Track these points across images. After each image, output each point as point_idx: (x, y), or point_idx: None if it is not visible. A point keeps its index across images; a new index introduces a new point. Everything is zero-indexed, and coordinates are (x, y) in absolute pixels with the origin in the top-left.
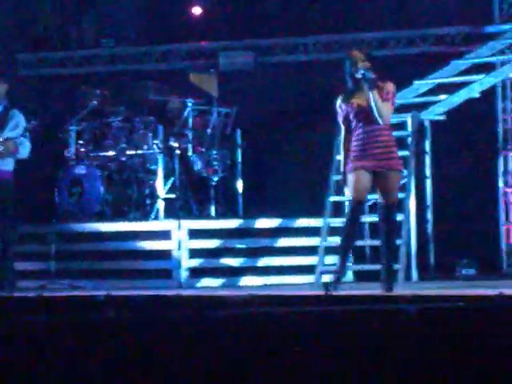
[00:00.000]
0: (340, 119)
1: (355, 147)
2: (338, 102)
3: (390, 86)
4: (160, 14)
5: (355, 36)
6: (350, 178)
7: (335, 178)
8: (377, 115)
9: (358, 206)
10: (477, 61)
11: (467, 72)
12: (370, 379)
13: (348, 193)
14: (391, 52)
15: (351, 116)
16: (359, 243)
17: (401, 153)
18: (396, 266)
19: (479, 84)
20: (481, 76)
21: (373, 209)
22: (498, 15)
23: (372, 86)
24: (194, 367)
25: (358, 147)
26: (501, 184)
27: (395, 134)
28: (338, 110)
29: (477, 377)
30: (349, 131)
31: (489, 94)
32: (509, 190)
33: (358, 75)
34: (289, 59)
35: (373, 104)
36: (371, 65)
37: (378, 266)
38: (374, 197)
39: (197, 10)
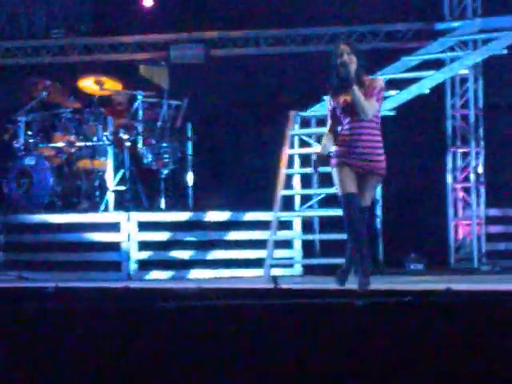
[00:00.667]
0: (328, 114)
1: (341, 144)
2: (328, 97)
3: (377, 82)
4: (111, 5)
5: (306, 30)
6: (335, 173)
7: (285, 171)
8: (359, 111)
9: (348, 199)
10: (427, 57)
11: (417, 68)
12: (318, 371)
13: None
14: None
15: (338, 112)
16: (308, 237)
17: None
18: (344, 261)
19: (429, 80)
20: (431, 72)
21: (323, 203)
22: (448, 12)
23: (352, 81)
24: (142, 358)
25: (343, 144)
26: (449, 180)
27: None
28: (327, 105)
29: (423, 370)
30: (333, 128)
31: (438, 91)
32: (457, 186)
33: (342, 64)
34: (240, 52)
35: (355, 99)
36: (358, 59)
37: (326, 260)
38: (328, 191)
39: (148, 2)
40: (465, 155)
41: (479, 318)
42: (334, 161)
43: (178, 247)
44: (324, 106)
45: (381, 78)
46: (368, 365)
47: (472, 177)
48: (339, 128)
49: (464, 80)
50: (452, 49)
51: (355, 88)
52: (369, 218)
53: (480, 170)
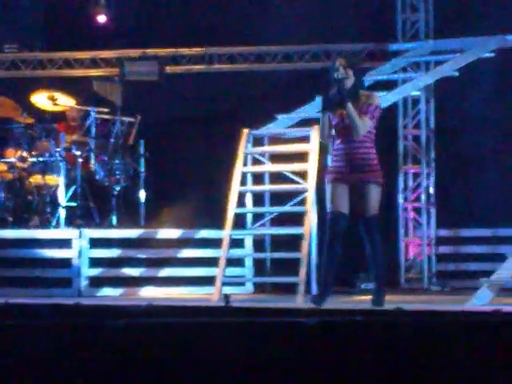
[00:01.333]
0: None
1: (335, 158)
2: (326, 115)
3: (373, 99)
4: (65, 20)
5: (260, 49)
6: (328, 189)
7: (238, 189)
8: (352, 128)
9: (335, 218)
10: (380, 78)
11: (370, 88)
12: None
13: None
14: (296, 66)
15: (338, 127)
16: (260, 255)
17: (303, 166)
18: (296, 280)
19: (381, 101)
20: (383, 93)
21: (275, 222)
22: (401, 33)
23: (344, 96)
24: (92, 374)
25: (337, 158)
26: (401, 200)
27: (299, 146)
28: (333, 120)
29: None
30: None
31: (390, 111)
32: (408, 205)
33: (337, 79)
34: (193, 69)
35: (349, 117)
36: (355, 74)
37: (278, 279)
38: (280, 210)
39: (102, 18)
40: (416, 175)
41: (428, 337)
42: (328, 176)
43: (130, 264)
44: (277, 125)
45: (376, 94)
46: (318, 383)
47: (423, 197)
48: (335, 143)
49: (416, 101)
50: (404, 70)
51: (350, 105)
52: (374, 227)
53: (431, 190)
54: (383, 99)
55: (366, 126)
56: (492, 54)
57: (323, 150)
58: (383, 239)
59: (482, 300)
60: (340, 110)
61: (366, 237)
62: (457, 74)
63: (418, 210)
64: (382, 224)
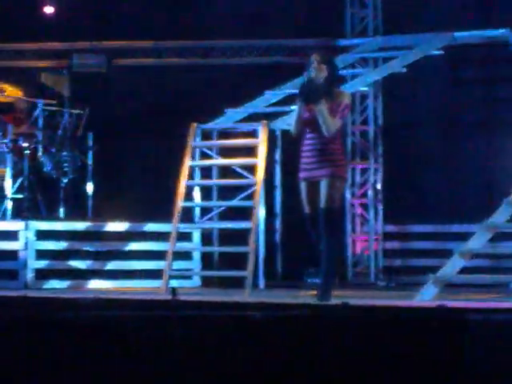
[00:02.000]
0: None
1: (303, 155)
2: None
3: (343, 98)
4: (13, 11)
5: (208, 43)
6: (300, 188)
7: (186, 183)
8: (322, 127)
9: (307, 216)
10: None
11: None
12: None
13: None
14: (245, 61)
15: (307, 122)
16: (207, 249)
17: (251, 161)
18: (243, 273)
19: None
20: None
21: (223, 216)
22: (350, 29)
23: (315, 95)
24: (38, 367)
25: (305, 155)
26: (348, 196)
27: (246, 141)
28: (305, 114)
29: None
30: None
31: None
32: (356, 201)
33: (306, 78)
34: (143, 62)
35: (320, 116)
36: (328, 70)
37: (225, 272)
38: (228, 204)
39: (49, 10)
40: (364, 171)
41: (375, 332)
42: (299, 175)
43: (77, 257)
44: (226, 119)
45: (348, 93)
46: (264, 376)
47: (370, 193)
48: (305, 136)
49: (364, 97)
50: (353, 66)
51: (322, 105)
52: (332, 219)
53: (378, 186)
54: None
55: (335, 126)
56: (440, 51)
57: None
58: (339, 235)
59: (427, 295)
60: (310, 106)
61: (324, 229)
62: (405, 70)
63: (365, 206)
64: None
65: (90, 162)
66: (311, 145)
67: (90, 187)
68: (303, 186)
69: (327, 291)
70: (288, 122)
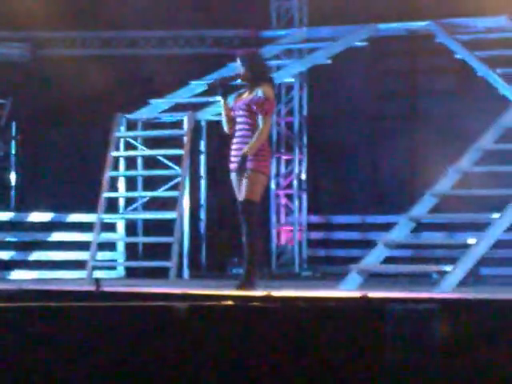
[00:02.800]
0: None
1: (232, 147)
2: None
3: (266, 94)
4: None
5: (134, 33)
6: (230, 177)
7: (110, 173)
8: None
9: (237, 205)
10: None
11: None
12: (138, 372)
13: None
14: (169, 51)
15: (235, 113)
16: (132, 240)
17: (176, 151)
18: (167, 264)
19: None
20: None
21: (148, 206)
22: (276, 21)
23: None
24: None
25: (232, 147)
26: (273, 186)
27: (171, 132)
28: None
29: (243, 372)
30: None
31: None
32: (281, 192)
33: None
34: (66, 52)
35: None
36: (251, 68)
37: (150, 263)
38: (152, 194)
39: None
40: (288, 162)
41: (299, 322)
42: (230, 167)
43: (0, 247)
44: (151, 109)
45: (270, 89)
46: (187, 366)
47: (295, 183)
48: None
49: (289, 88)
50: (278, 57)
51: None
52: (249, 212)
53: (303, 176)
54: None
55: (266, 126)
56: (364, 43)
57: None
58: (260, 226)
59: (350, 285)
60: (238, 99)
61: (243, 221)
62: (329, 61)
63: (289, 197)
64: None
65: (13, 151)
66: (235, 137)
67: (13, 177)
68: (233, 176)
69: (249, 281)
70: (211, 113)
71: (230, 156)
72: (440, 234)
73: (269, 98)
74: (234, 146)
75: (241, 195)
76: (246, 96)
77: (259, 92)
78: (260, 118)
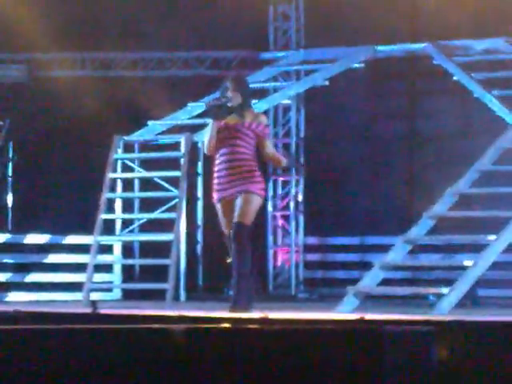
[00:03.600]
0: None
1: (217, 174)
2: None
3: (262, 119)
4: None
5: (132, 55)
6: (217, 209)
7: (107, 195)
8: (276, 163)
9: (227, 237)
10: (251, 86)
11: None
12: None
13: None
14: (167, 73)
15: (221, 136)
16: (128, 262)
17: (173, 173)
18: (164, 286)
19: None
20: (254, 101)
21: (144, 228)
22: (274, 42)
23: (222, 115)
24: None
25: (219, 174)
26: (270, 208)
27: (169, 154)
28: (220, 127)
29: None
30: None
31: None
32: (277, 213)
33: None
34: (65, 74)
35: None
36: (242, 96)
37: (147, 285)
38: (149, 216)
39: None
40: (285, 183)
41: (296, 344)
42: (214, 195)
43: None
44: (148, 131)
45: (263, 115)
46: None
47: (292, 205)
48: (217, 155)
49: (286, 109)
50: (275, 79)
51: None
52: (242, 235)
53: (300, 197)
54: (254, 107)
55: (274, 150)
56: (361, 65)
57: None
58: (251, 248)
59: (347, 307)
60: (228, 121)
61: (235, 243)
62: (327, 83)
63: (286, 218)
64: (251, 231)
65: (9, 173)
66: (225, 162)
67: (9, 199)
68: (219, 206)
69: (242, 302)
70: (202, 141)
71: (216, 184)
72: (437, 255)
73: (267, 124)
74: (220, 174)
75: (234, 216)
76: (239, 120)
77: (264, 121)
78: (266, 144)
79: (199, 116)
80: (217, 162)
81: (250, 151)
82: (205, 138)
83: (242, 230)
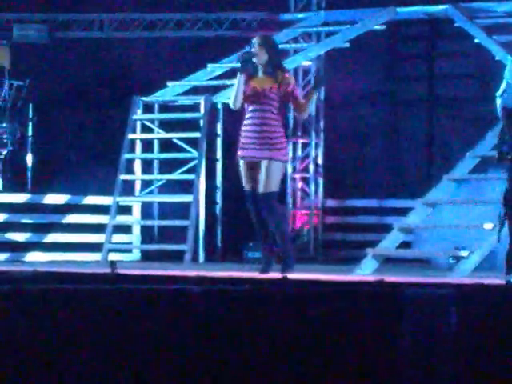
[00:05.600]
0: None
1: (244, 133)
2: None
3: (291, 81)
4: None
5: (151, 16)
6: (240, 166)
7: (126, 156)
8: (304, 110)
9: (246, 195)
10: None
11: None
12: (153, 358)
13: None
14: (187, 34)
15: (250, 99)
16: (147, 223)
17: (192, 134)
18: (183, 247)
19: None
20: None
21: (164, 189)
22: (294, 4)
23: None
24: None
25: (245, 134)
26: (289, 170)
27: (188, 115)
28: (246, 89)
29: (259, 360)
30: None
31: None
32: (297, 175)
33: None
34: (84, 35)
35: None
36: (269, 54)
37: (165, 246)
38: (168, 177)
39: None
40: (305, 146)
41: (314, 306)
42: (238, 152)
43: (15, 229)
44: (167, 92)
45: (292, 76)
46: (203, 351)
47: (311, 167)
48: (246, 113)
49: (307, 71)
50: (296, 40)
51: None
52: (270, 206)
53: (319, 160)
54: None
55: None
56: (383, 27)
57: None
58: (283, 211)
59: (366, 269)
60: (254, 83)
61: (267, 212)
62: (347, 45)
63: (306, 180)
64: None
65: (29, 133)
66: (251, 125)
67: (29, 159)
68: (242, 163)
69: (291, 264)
70: (228, 96)
71: (241, 142)
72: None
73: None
74: (246, 133)
75: (260, 186)
76: (266, 85)
77: (292, 82)
78: (298, 102)
79: (218, 77)
80: (245, 122)
81: (277, 116)
82: (232, 91)
83: (269, 200)
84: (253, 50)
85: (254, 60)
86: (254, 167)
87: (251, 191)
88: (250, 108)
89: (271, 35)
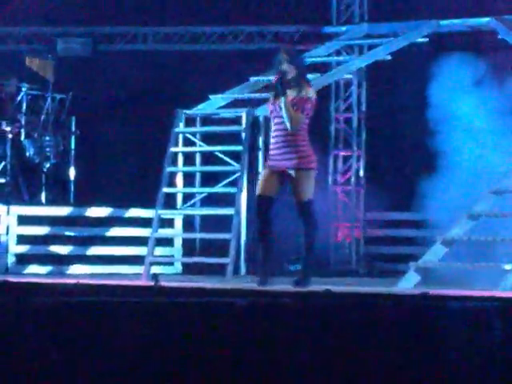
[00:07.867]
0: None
1: (271, 146)
2: (270, 99)
3: (311, 95)
4: None
5: (194, 29)
6: (264, 171)
7: (169, 169)
8: (286, 121)
9: (259, 200)
10: (313, 60)
11: None
12: (198, 370)
13: None
14: (229, 47)
15: (272, 115)
16: (189, 235)
17: (234, 147)
18: (225, 260)
19: (315, 83)
20: (316, 75)
21: (205, 202)
22: (336, 16)
23: (281, 92)
24: (18, 353)
25: (272, 146)
26: (330, 183)
27: (230, 128)
28: (269, 106)
29: (303, 370)
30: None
31: (323, 94)
32: (338, 188)
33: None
34: (127, 48)
35: (283, 110)
36: (297, 67)
37: (207, 259)
38: (210, 190)
39: None
40: (346, 158)
41: (357, 319)
42: (266, 163)
43: (58, 242)
44: (210, 105)
45: (313, 89)
46: (247, 365)
47: (353, 180)
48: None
49: (348, 84)
50: (338, 53)
51: (283, 100)
52: (308, 212)
53: (361, 173)
54: (316, 82)
55: (299, 121)
56: (425, 39)
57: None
58: (317, 223)
59: (408, 283)
60: (276, 100)
61: (302, 221)
62: (389, 57)
63: (347, 193)
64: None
65: (72, 146)
66: (276, 136)
67: (72, 172)
68: (267, 170)
69: (306, 278)
70: (263, 115)
71: (270, 155)
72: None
73: (311, 98)
74: (272, 146)
75: (295, 197)
76: (293, 95)
77: (309, 94)
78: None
79: (260, 90)
80: (271, 134)
81: (300, 128)
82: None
83: (306, 208)
84: (282, 66)
85: (283, 78)
86: (277, 176)
87: (262, 196)
88: (275, 121)
89: (295, 49)
